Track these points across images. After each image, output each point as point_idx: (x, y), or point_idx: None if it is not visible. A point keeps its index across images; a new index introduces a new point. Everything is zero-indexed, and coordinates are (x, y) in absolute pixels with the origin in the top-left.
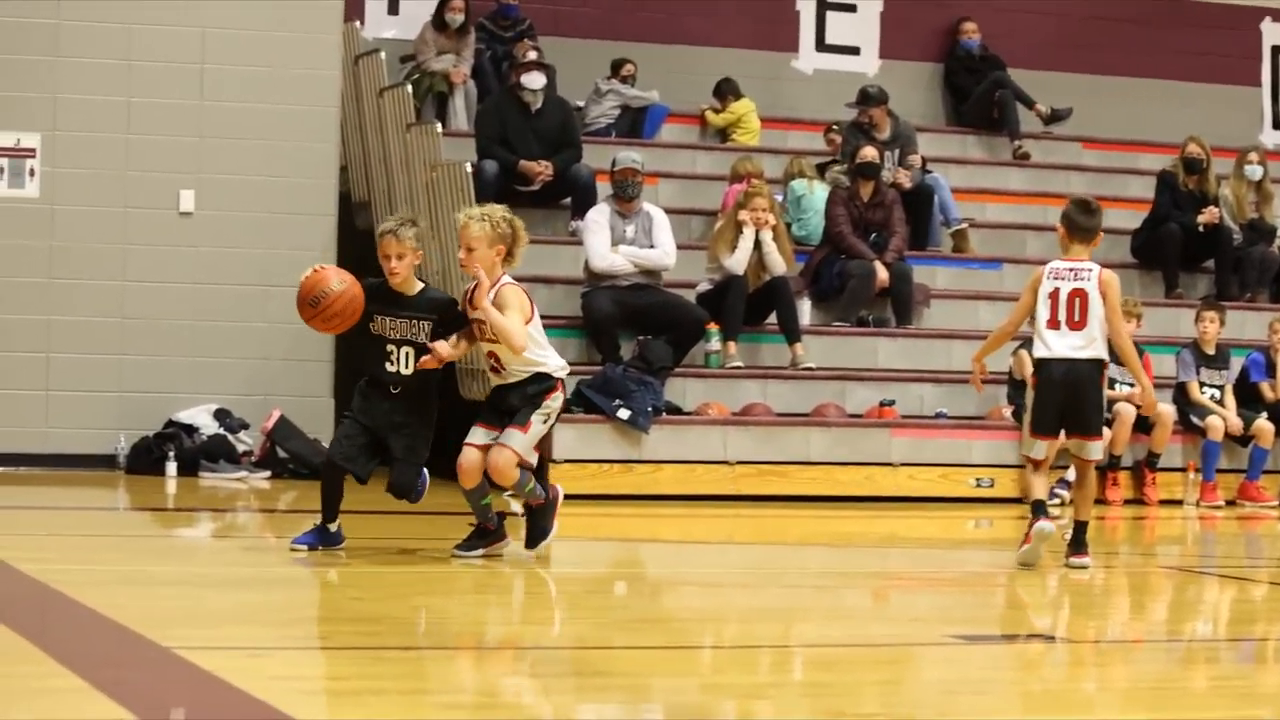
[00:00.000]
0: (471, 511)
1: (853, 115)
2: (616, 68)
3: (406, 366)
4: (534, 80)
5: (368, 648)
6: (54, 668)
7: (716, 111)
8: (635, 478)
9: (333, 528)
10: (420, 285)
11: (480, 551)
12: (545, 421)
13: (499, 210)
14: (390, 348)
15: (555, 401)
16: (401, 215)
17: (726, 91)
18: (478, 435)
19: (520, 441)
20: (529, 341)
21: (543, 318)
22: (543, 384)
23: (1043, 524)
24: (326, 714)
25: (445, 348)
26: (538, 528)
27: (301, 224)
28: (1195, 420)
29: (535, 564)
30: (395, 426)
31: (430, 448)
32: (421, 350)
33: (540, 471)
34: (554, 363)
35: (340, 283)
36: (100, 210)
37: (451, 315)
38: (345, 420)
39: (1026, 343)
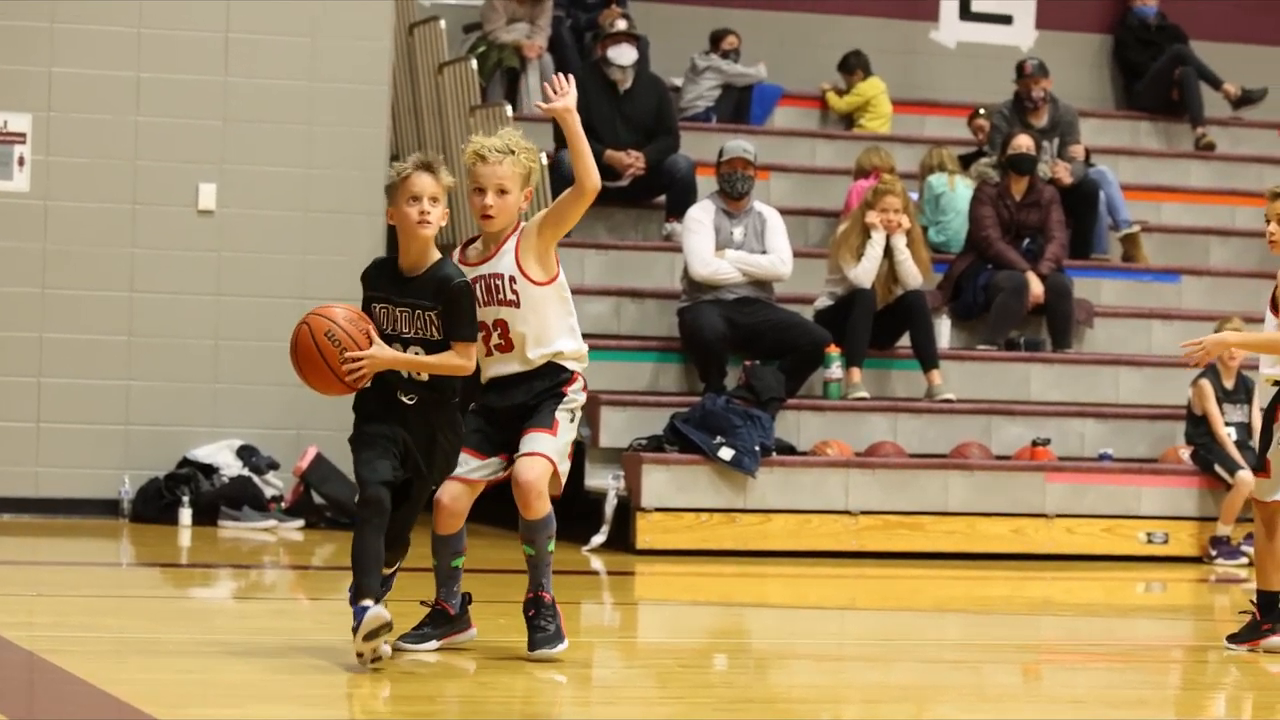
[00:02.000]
0: (435, 574)
1: (1002, 97)
2: (716, 40)
3: (416, 370)
4: (623, 55)
5: None
6: None
7: (841, 93)
8: (739, 530)
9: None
10: (436, 257)
11: (434, 644)
12: (573, 421)
13: (518, 137)
14: (396, 349)
15: (579, 394)
16: (429, 155)
17: (856, 67)
18: (463, 464)
19: (552, 446)
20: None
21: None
22: (558, 375)
23: None
24: None
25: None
26: (553, 627)
27: (344, 224)
28: None
29: (611, 636)
30: (421, 449)
31: None
32: (433, 350)
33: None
34: (578, 348)
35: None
36: (103, 207)
37: (453, 298)
38: (363, 434)
39: (1209, 371)
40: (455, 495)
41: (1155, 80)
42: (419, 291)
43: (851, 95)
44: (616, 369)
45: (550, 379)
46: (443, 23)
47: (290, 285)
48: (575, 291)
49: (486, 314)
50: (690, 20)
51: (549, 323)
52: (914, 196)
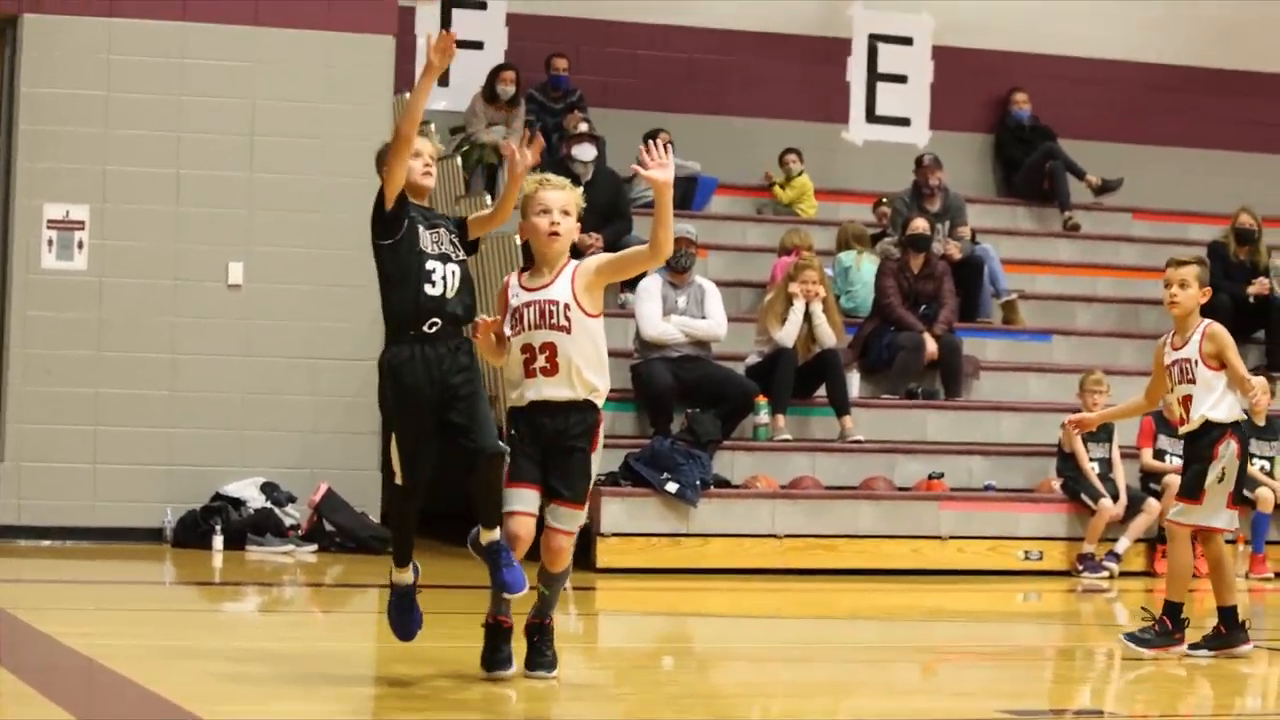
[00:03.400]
0: (542, 597)
1: (902, 186)
2: (651, 139)
3: (452, 289)
4: (585, 152)
5: None
6: None
7: (783, 186)
8: (683, 551)
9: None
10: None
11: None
12: (593, 475)
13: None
14: (432, 265)
15: (601, 439)
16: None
17: (791, 159)
18: (526, 499)
19: (579, 521)
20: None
21: None
22: (594, 414)
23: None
24: None
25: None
26: (550, 654)
27: (349, 296)
28: (1245, 492)
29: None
30: (452, 384)
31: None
32: (464, 271)
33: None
34: (607, 388)
35: None
36: (149, 283)
37: (465, 237)
38: (403, 409)
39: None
40: (529, 529)
41: (1029, 172)
42: (440, 217)
43: (790, 190)
44: None
45: (589, 415)
46: (433, 126)
47: (304, 348)
48: None
49: (536, 337)
50: (641, 123)
51: (592, 354)
52: (829, 270)
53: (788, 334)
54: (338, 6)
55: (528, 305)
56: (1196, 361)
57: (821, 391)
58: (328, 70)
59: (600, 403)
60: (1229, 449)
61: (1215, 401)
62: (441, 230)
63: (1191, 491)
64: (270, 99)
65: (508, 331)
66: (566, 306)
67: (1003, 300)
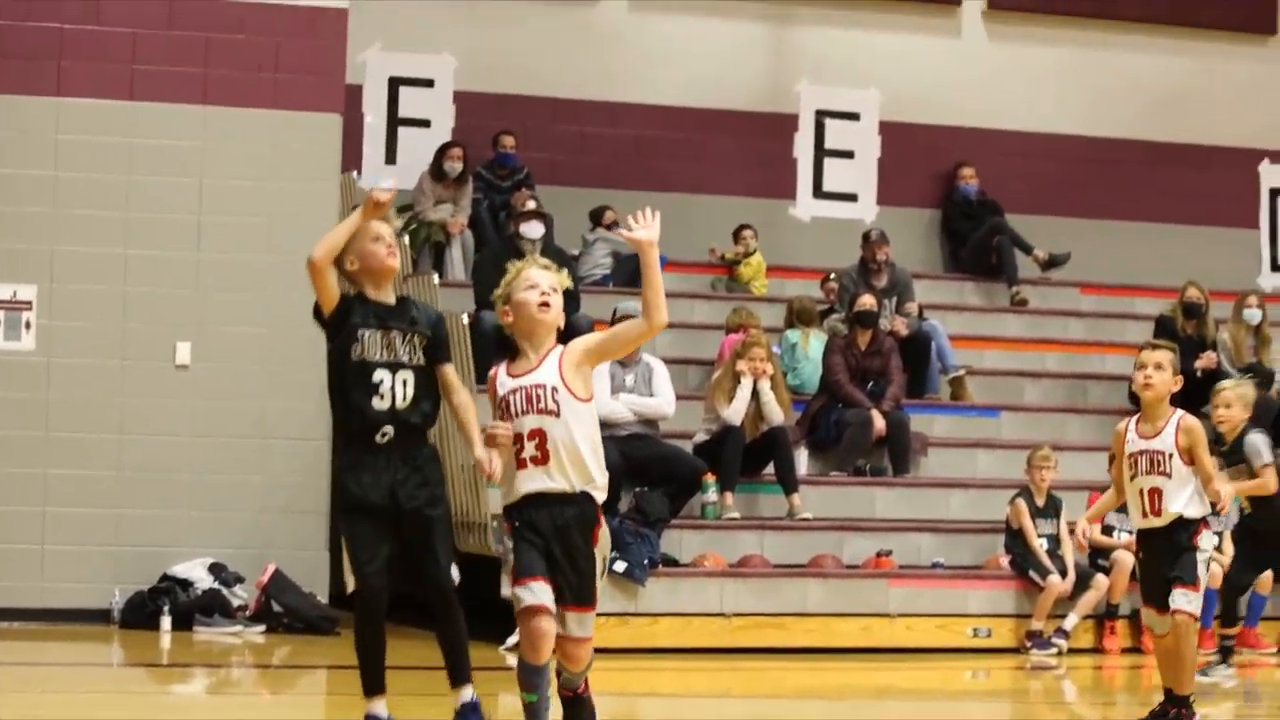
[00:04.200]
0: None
1: (850, 262)
2: (597, 216)
3: (404, 399)
4: (533, 230)
5: None
6: None
7: (736, 262)
8: (631, 631)
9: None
10: (396, 294)
11: None
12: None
13: None
14: (380, 376)
15: (607, 537)
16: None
17: (748, 234)
18: (540, 593)
19: (593, 624)
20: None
21: None
22: (593, 510)
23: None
24: None
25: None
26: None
27: (298, 376)
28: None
29: None
30: (405, 495)
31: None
32: (422, 377)
33: None
34: (605, 480)
35: None
36: (97, 363)
37: (442, 339)
38: (350, 517)
39: (1023, 492)
40: (549, 630)
41: (977, 247)
42: (404, 318)
43: (745, 266)
44: None
45: (588, 510)
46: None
47: (252, 428)
48: None
49: (524, 423)
50: (589, 201)
51: (584, 440)
52: (776, 348)
53: (735, 412)
54: (285, 86)
55: (514, 392)
56: (1171, 455)
57: (770, 469)
58: (275, 149)
59: (600, 497)
60: (1209, 540)
61: (1189, 498)
62: (395, 334)
63: (1191, 577)
64: (218, 178)
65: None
66: (554, 390)
67: (950, 376)
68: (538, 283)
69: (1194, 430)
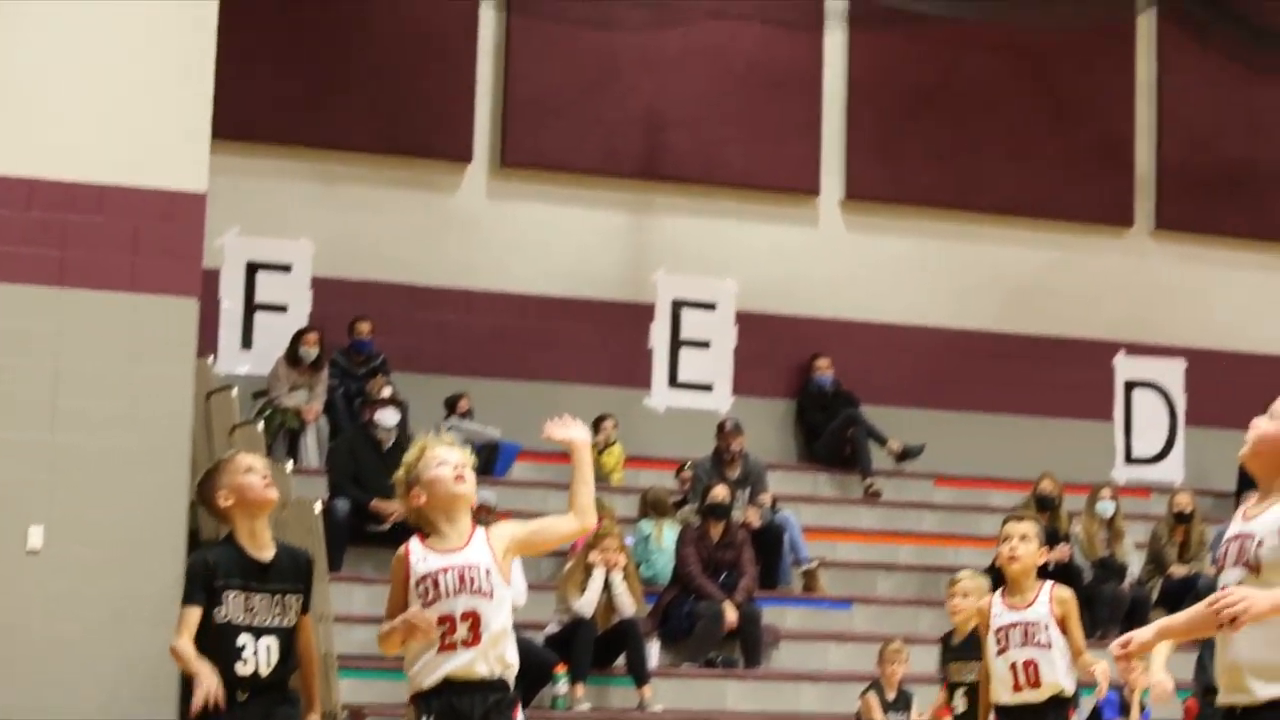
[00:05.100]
0: None
1: (705, 451)
2: (452, 405)
3: (267, 664)
4: (388, 418)
5: None
6: None
7: (599, 451)
8: None
9: None
10: (273, 543)
11: None
12: None
13: None
14: (243, 641)
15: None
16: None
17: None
18: None
19: None
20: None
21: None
22: (509, 695)
23: None
24: None
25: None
26: None
27: (153, 559)
28: None
29: None
30: None
31: None
32: (287, 638)
33: None
34: (517, 664)
35: None
36: None
37: (311, 588)
38: None
39: (874, 685)
40: None
41: (831, 438)
42: (281, 577)
43: (607, 456)
44: (380, 687)
45: (505, 697)
46: (235, 391)
47: (106, 612)
48: (343, 619)
49: (457, 604)
50: (445, 387)
51: (507, 625)
52: (629, 539)
53: (587, 603)
54: (142, 269)
55: (444, 571)
56: (1048, 625)
57: (621, 661)
58: (132, 333)
59: (512, 684)
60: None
61: (1066, 669)
62: (265, 596)
63: None
64: (74, 361)
65: (416, 605)
66: (488, 571)
67: (803, 568)
68: (446, 459)
69: (1068, 601)
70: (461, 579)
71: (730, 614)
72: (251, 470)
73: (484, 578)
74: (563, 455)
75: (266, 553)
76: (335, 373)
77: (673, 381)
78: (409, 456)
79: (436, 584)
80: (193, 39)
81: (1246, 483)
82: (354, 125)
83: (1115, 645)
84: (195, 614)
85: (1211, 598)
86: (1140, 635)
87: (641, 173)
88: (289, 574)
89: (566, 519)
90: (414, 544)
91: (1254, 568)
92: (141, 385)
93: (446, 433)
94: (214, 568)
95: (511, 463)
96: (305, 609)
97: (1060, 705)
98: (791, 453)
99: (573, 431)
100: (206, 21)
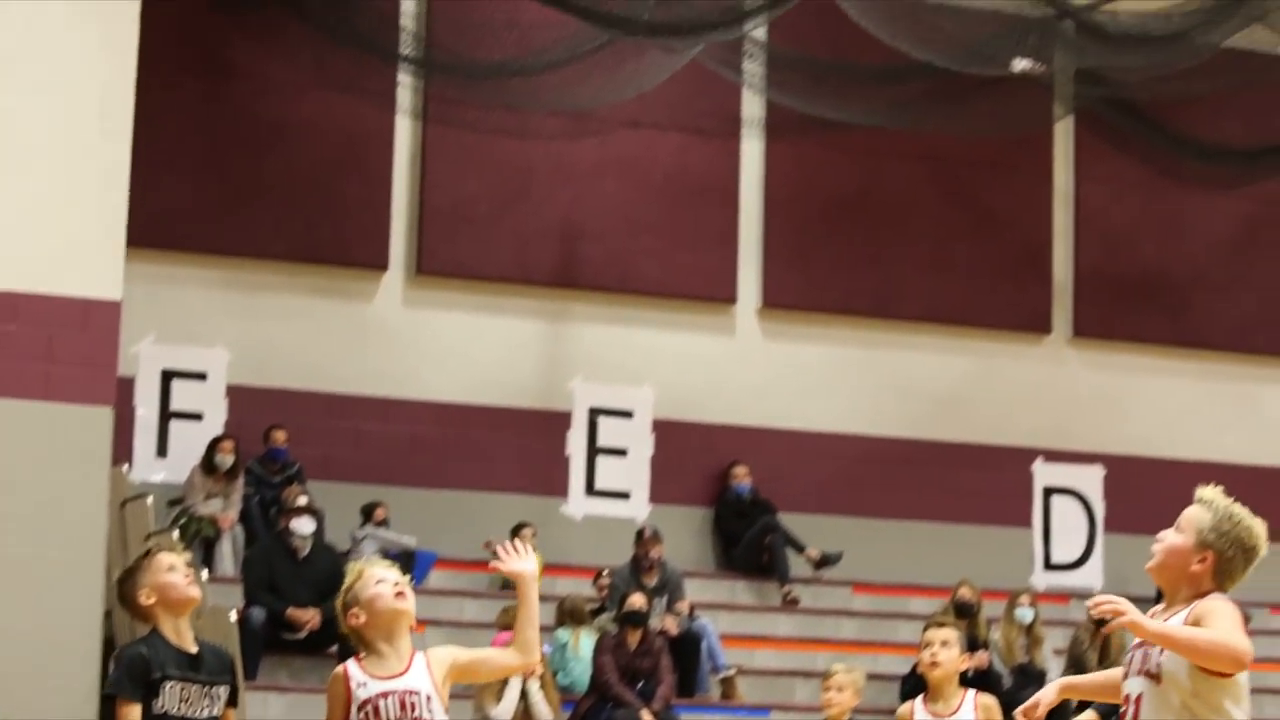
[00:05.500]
0: None
1: (623, 559)
2: (369, 513)
3: None
4: (303, 526)
5: None
6: None
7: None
8: None
9: None
10: (195, 640)
11: None
12: None
13: None
14: None
15: None
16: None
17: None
18: None
19: None
20: None
21: None
22: None
23: None
24: None
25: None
26: None
27: (65, 670)
28: None
29: None
30: None
31: None
32: None
33: None
34: None
35: None
36: None
37: (234, 681)
38: None
39: None
40: None
41: (749, 546)
42: (208, 668)
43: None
44: None
45: None
46: (150, 499)
47: (19, 714)
48: None
49: None
50: (361, 496)
51: None
52: (546, 647)
53: (504, 711)
54: (57, 378)
55: (384, 696)
56: None
57: None
58: (46, 441)
59: None
60: None
61: None
62: (196, 687)
63: None
64: None
65: None
66: (429, 698)
67: (721, 676)
68: (385, 577)
69: (993, 708)
70: (403, 705)
71: None
72: (174, 569)
73: (425, 704)
74: (479, 564)
75: (192, 647)
76: (251, 481)
77: (590, 489)
78: (347, 580)
79: (377, 710)
80: (108, 146)
81: None
82: (270, 233)
83: (1019, 712)
84: (136, 712)
85: (1093, 599)
86: (1044, 695)
87: (558, 281)
88: (215, 667)
89: (509, 653)
90: (352, 666)
91: (1154, 676)
92: (56, 493)
93: (363, 541)
94: (150, 660)
95: (428, 571)
96: (233, 702)
97: None
98: (709, 560)
99: (523, 565)
100: (122, 129)
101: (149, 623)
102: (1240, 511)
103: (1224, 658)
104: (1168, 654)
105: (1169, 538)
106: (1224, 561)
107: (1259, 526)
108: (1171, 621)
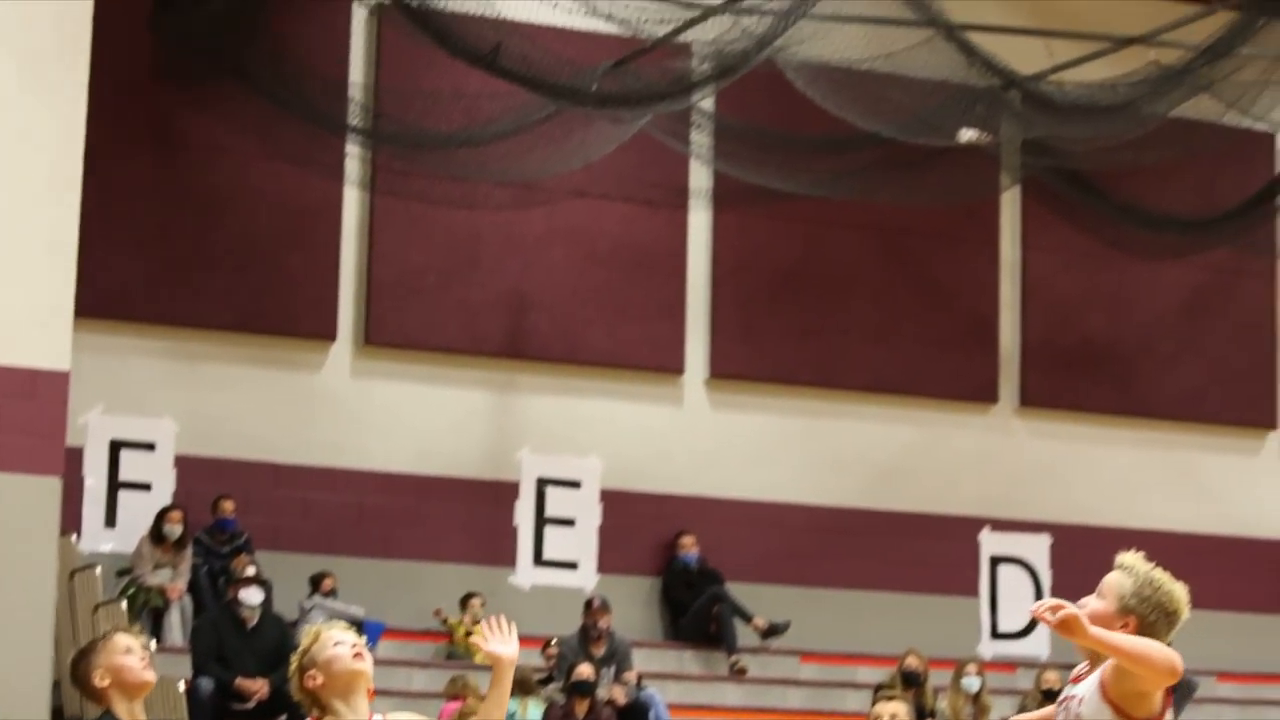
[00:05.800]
0: None
1: (572, 629)
2: (317, 583)
3: None
4: (252, 596)
5: None
6: None
7: (468, 632)
8: None
9: None
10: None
11: None
12: None
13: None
14: None
15: None
16: None
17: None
18: None
19: None
20: None
21: None
22: None
23: None
24: None
25: None
26: None
27: (19, 701)
28: None
29: None
30: None
31: None
32: None
33: None
34: None
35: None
36: None
37: None
38: None
39: None
40: None
41: (697, 616)
42: None
43: (476, 634)
44: None
45: None
46: (99, 569)
47: None
48: None
49: None
50: (309, 566)
51: None
52: None
53: None
54: (4, 448)
55: None
56: None
57: None
58: None
59: None
60: None
61: None
62: None
63: None
64: None
65: None
66: None
67: None
68: (343, 639)
69: None
70: None
71: None
72: (130, 651)
73: None
74: (427, 634)
75: None
76: (199, 551)
77: (538, 559)
78: (304, 642)
79: None
80: (56, 216)
81: None
82: (218, 304)
83: None
84: None
85: (1036, 605)
86: None
87: (506, 352)
88: None
89: None
90: None
91: None
92: (4, 564)
93: (312, 611)
94: None
95: (376, 641)
96: None
97: None
98: (657, 630)
99: (505, 648)
100: (69, 199)
101: (102, 705)
102: (1161, 576)
103: (1158, 662)
104: (1086, 704)
105: (1090, 604)
106: (1146, 626)
107: (1180, 591)
108: (1089, 679)
